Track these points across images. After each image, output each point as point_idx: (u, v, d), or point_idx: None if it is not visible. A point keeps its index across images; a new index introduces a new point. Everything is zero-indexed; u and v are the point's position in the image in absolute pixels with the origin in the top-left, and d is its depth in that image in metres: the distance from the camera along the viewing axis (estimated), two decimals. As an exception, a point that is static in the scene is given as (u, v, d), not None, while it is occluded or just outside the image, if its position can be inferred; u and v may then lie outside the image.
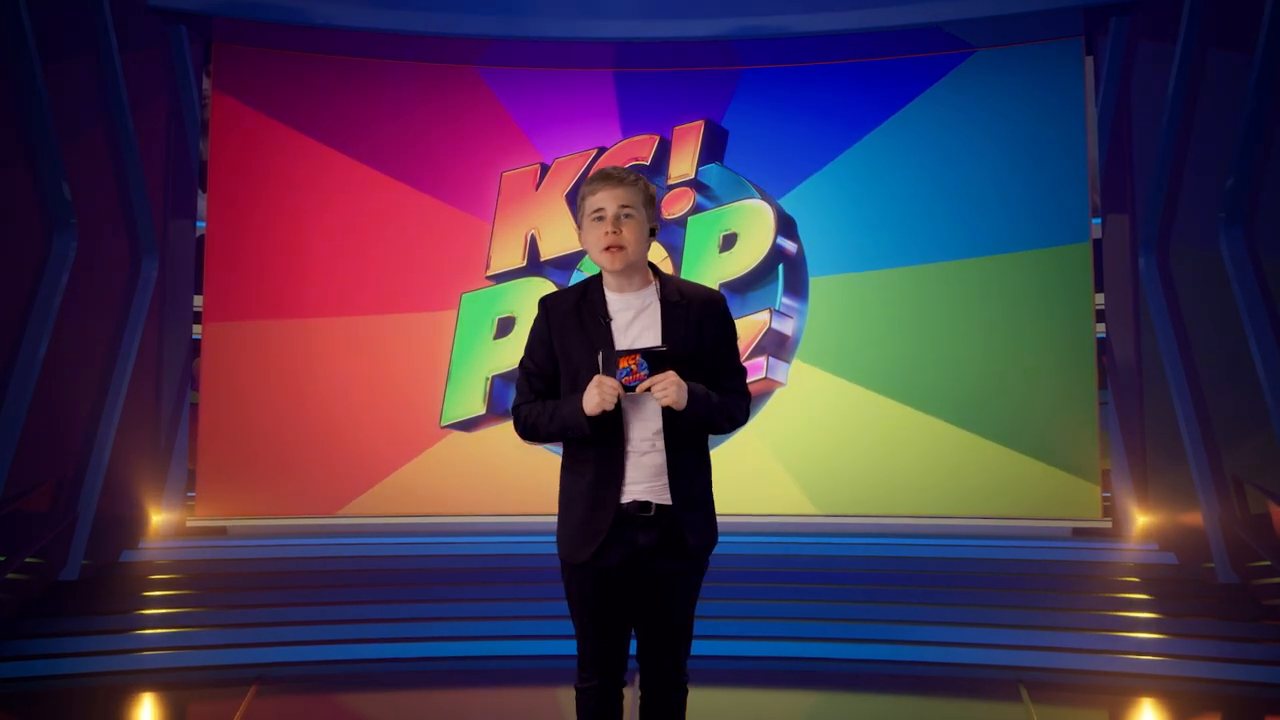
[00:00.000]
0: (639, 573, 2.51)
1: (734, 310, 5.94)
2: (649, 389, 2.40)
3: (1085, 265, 5.94)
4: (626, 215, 2.49)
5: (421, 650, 4.73)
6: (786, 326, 6.20)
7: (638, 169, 6.28)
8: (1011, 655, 4.62)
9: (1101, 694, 4.36)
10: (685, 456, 2.52)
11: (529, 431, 2.56)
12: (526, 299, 6.24)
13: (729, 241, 6.25)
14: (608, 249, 2.48)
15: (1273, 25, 4.38)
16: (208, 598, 5.14)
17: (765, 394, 6.15)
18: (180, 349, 6.03)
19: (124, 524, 5.57)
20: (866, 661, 4.66)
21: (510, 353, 6.18)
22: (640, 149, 6.32)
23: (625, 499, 2.48)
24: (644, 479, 2.49)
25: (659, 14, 5.98)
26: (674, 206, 6.28)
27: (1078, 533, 5.86)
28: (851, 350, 6.16)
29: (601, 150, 6.34)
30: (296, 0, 5.80)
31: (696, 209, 6.30)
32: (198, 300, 6.11)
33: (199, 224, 6.16)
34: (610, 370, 2.40)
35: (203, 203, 6.17)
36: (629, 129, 6.37)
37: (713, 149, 6.32)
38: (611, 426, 2.46)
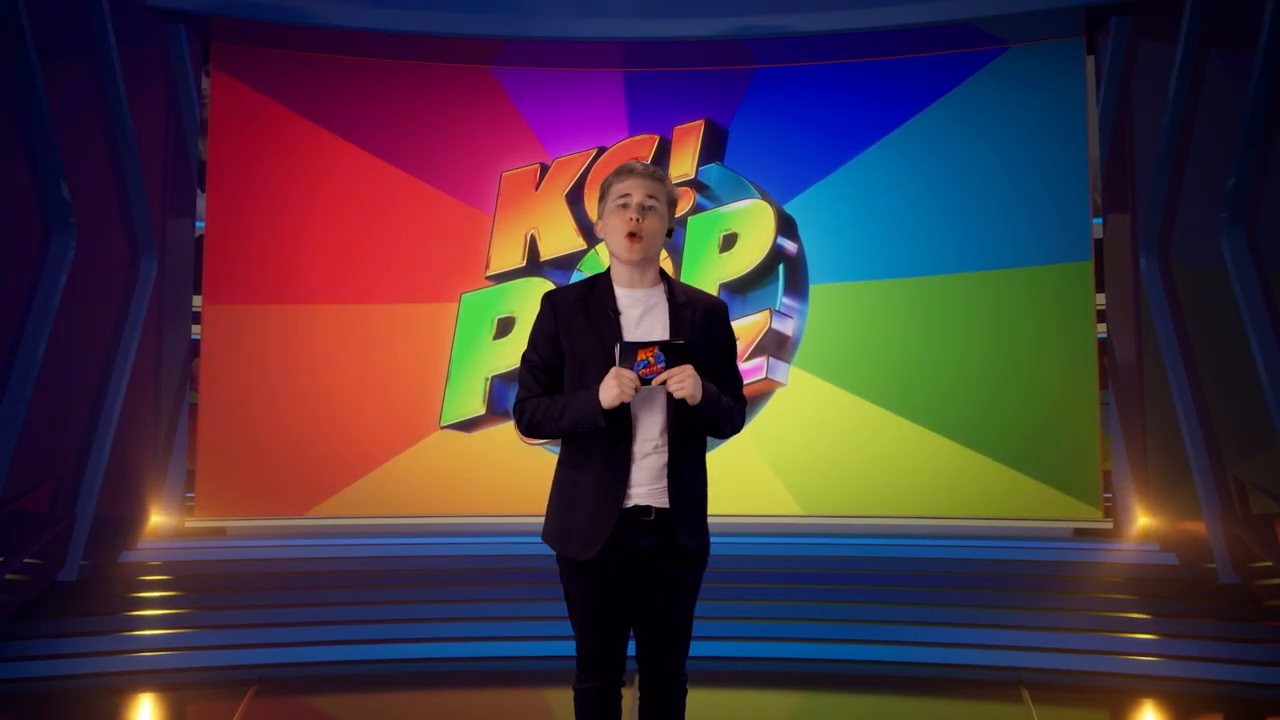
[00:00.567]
0: (639, 573, 2.51)
1: (734, 310, 5.98)
2: (665, 382, 2.39)
3: (1086, 281, 5.91)
4: (650, 207, 2.52)
5: (421, 651, 4.73)
6: (787, 327, 6.19)
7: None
8: (1013, 656, 4.62)
9: (1102, 695, 4.35)
10: (687, 459, 2.52)
11: (534, 427, 2.54)
12: (526, 299, 6.23)
13: (729, 241, 6.25)
14: (629, 235, 2.49)
15: (1273, 25, 4.38)
16: (206, 598, 5.13)
17: (766, 394, 6.14)
18: (179, 349, 6.02)
19: (123, 524, 5.56)
20: (869, 662, 4.66)
21: (510, 353, 6.17)
22: (640, 148, 6.31)
23: (629, 502, 2.47)
24: (647, 481, 2.49)
25: (667, 13, 5.97)
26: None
27: (1079, 533, 5.85)
28: (852, 357, 6.13)
29: (602, 150, 6.33)
30: (296, 0, 5.79)
31: (697, 209, 6.29)
32: (197, 300, 6.10)
33: (198, 223, 6.15)
34: (627, 362, 2.38)
35: (202, 202, 6.16)
36: (638, 129, 6.36)
37: (713, 149, 6.32)
38: (623, 420, 2.45)
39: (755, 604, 5.08)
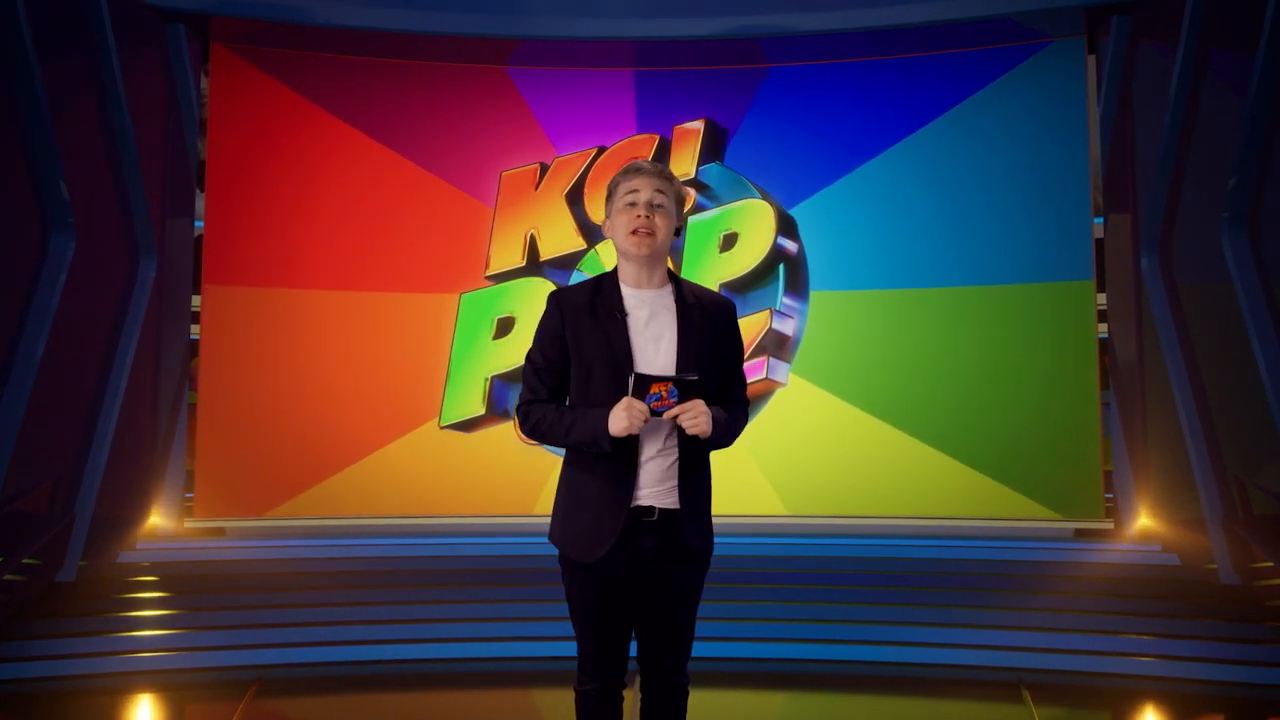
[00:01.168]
0: (641, 573, 2.50)
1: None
2: (676, 416, 2.39)
3: (1088, 296, 5.90)
4: (659, 205, 2.50)
5: (420, 651, 4.72)
6: (787, 327, 6.18)
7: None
8: (1013, 657, 4.62)
9: (1103, 695, 4.35)
10: (695, 462, 2.51)
11: (537, 434, 2.53)
12: (526, 299, 6.22)
13: (729, 241, 6.24)
14: (636, 232, 2.47)
15: (1275, 24, 4.37)
16: (205, 599, 5.12)
17: (766, 394, 6.13)
18: (178, 349, 6.01)
19: (121, 525, 5.55)
20: (870, 663, 4.66)
21: (510, 353, 6.16)
22: (641, 148, 6.30)
23: (634, 503, 2.47)
24: (652, 483, 2.48)
25: (677, 13, 5.96)
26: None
27: (1080, 534, 5.84)
28: (851, 364, 6.12)
29: (601, 149, 6.32)
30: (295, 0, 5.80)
31: (697, 209, 6.28)
32: (196, 300, 6.09)
33: (197, 223, 6.14)
34: (640, 394, 2.37)
35: (201, 202, 6.15)
36: (648, 128, 6.35)
37: (713, 148, 6.31)
38: (631, 443, 2.44)
39: (758, 605, 5.08)
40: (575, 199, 6.29)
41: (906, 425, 6.03)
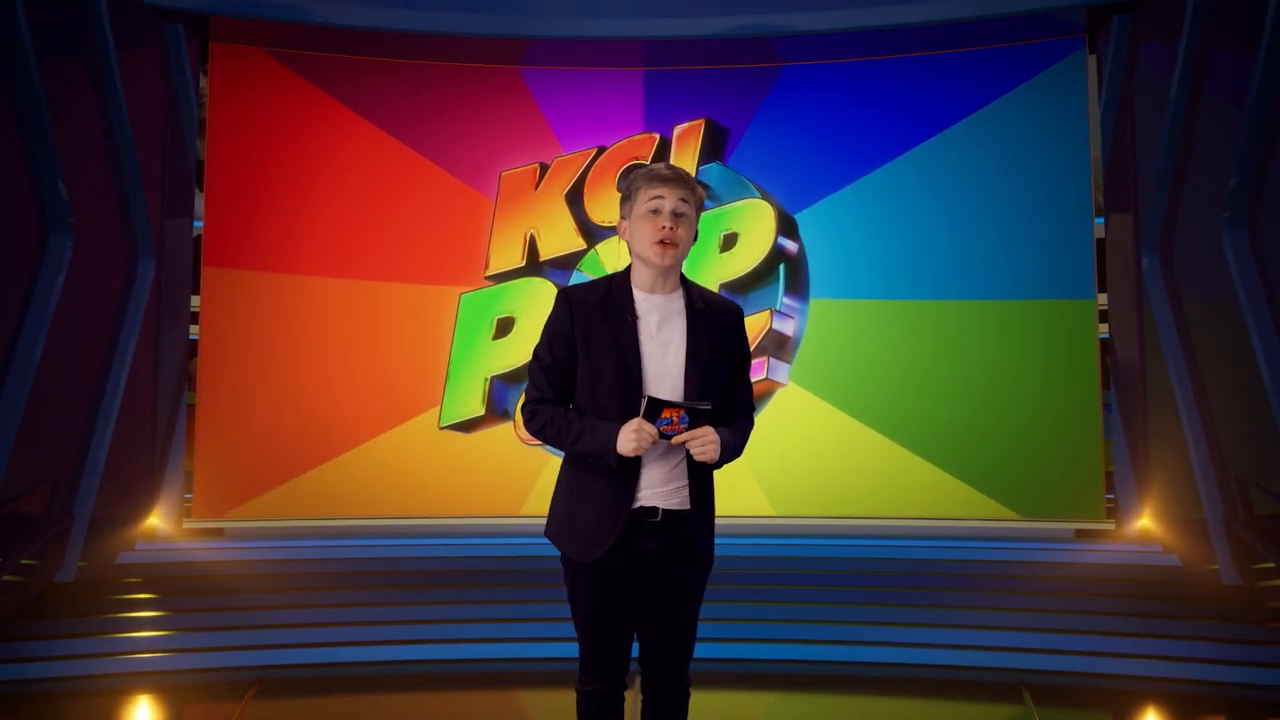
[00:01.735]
0: (644, 574, 2.49)
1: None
2: (685, 442, 2.38)
3: (1090, 317, 5.90)
4: (682, 215, 2.48)
5: (420, 652, 4.72)
6: (788, 327, 6.17)
7: (636, 169, 6.30)
8: (1014, 657, 4.62)
9: (1104, 696, 4.35)
10: (702, 465, 2.50)
11: (542, 436, 2.51)
12: (526, 299, 6.21)
13: (730, 241, 6.23)
14: (661, 243, 2.45)
15: (1276, 24, 4.37)
16: (204, 600, 5.11)
17: (767, 394, 6.12)
18: (177, 349, 6.00)
19: (120, 526, 5.54)
20: (871, 664, 4.66)
21: (509, 353, 6.15)
22: (640, 148, 6.29)
23: (636, 504, 2.46)
24: (655, 484, 2.47)
25: (685, 12, 5.95)
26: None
27: (1081, 534, 5.83)
28: (848, 370, 6.10)
29: (601, 149, 6.31)
30: (295, -1, 5.78)
31: (697, 208, 6.25)
32: (195, 300, 6.08)
33: (196, 223, 6.12)
34: (651, 417, 2.36)
35: (200, 202, 6.13)
36: (654, 128, 6.34)
37: (713, 148, 6.30)
38: (635, 460, 2.43)
39: (758, 605, 5.08)
40: (575, 199, 6.28)
41: (902, 434, 6.01)
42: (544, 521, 2.60)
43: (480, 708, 4.39)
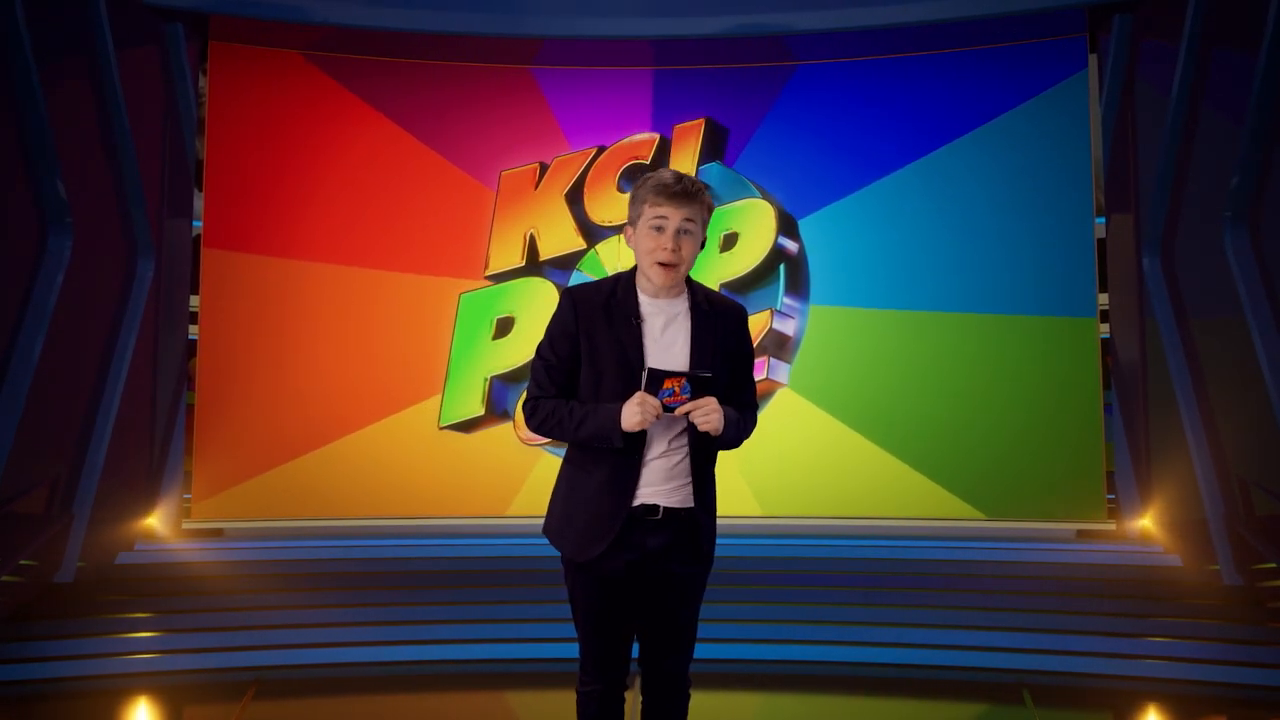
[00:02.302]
0: (644, 573, 2.48)
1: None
2: (688, 413, 2.37)
3: (1091, 335, 5.90)
4: (686, 232, 2.44)
5: (420, 653, 4.70)
6: (788, 327, 6.16)
7: (635, 168, 6.32)
8: (1015, 658, 4.61)
9: (1105, 697, 4.34)
10: (706, 463, 2.50)
11: (544, 429, 2.50)
12: (526, 299, 6.20)
13: (730, 241, 6.22)
14: (663, 265, 2.43)
15: (1277, 23, 4.36)
16: (204, 600, 5.10)
17: (767, 394, 6.11)
18: (176, 349, 5.99)
19: (120, 526, 5.53)
20: (871, 665, 4.64)
21: (509, 353, 6.14)
22: (640, 148, 6.28)
23: (636, 502, 2.45)
24: (655, 482, 2.46)
25: (691, 11, 5.94)
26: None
27: (1082, 535, 5.82)
28: (845, 377, 6.10)
29: (601, 149, 6.30)
30: (295, -1, 5.78)
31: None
32: (194, 300, 6.07)
33: (195, 223, 6.12)
34: (653, 389, 2.35)
35: (199, 202, 6.13)
36: (661, 128, 6.33)
37: (713, 148, 6.29)
38: (640, 439, 2.43)
39: (759, 606, 5.07)
40: (575, 199, 6.27)
41: (898, 439, 6.01)
42: (542, 521, 2.60)
43: (480, 708, 4.39)
